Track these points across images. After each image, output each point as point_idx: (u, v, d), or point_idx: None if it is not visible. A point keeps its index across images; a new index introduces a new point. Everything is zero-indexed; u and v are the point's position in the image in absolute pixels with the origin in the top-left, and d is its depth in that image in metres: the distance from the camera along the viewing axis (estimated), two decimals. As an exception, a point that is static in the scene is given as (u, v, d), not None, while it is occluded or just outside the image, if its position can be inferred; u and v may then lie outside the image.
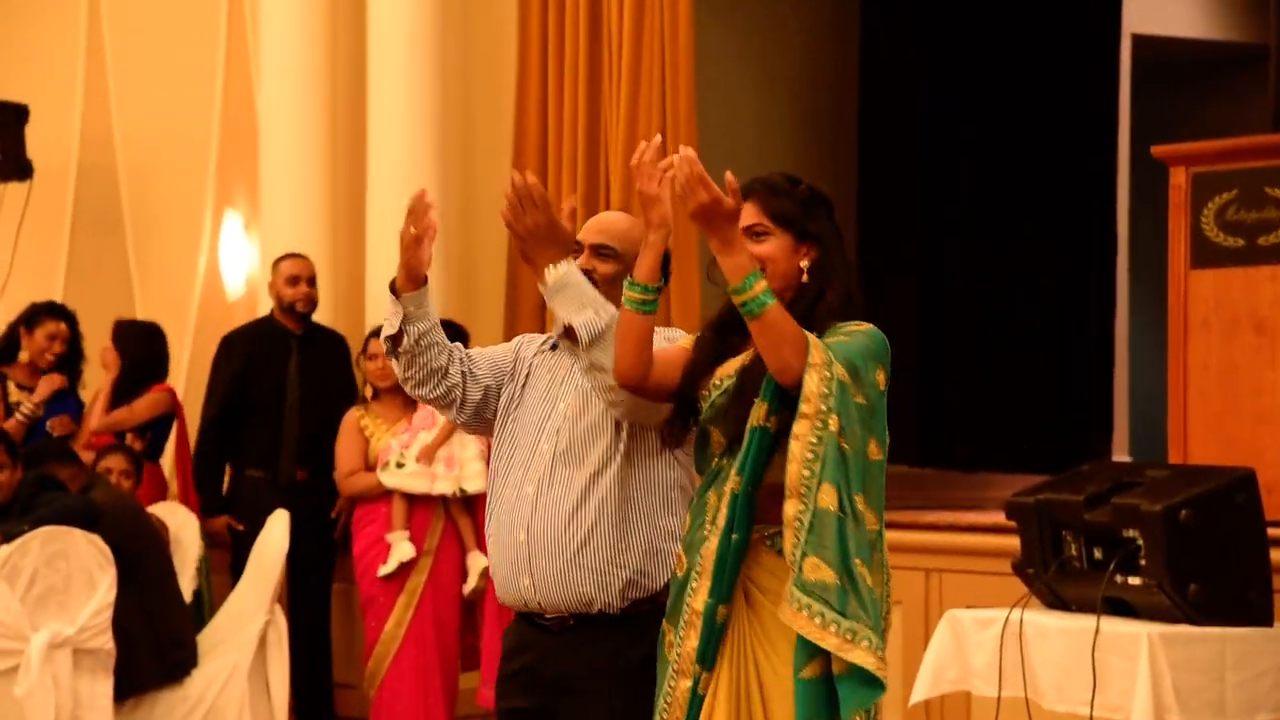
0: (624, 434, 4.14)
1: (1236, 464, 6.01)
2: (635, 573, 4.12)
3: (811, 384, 3.65)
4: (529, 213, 4.02)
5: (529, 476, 4.18)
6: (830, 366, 3.67)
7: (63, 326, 8.15)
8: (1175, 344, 6.81)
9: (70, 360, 8.19)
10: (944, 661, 5.36)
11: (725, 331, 3.91)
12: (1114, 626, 5.57)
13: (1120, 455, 8.29)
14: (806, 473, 3.66)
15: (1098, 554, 5.80)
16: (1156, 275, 7.41)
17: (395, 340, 4.21)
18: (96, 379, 8.38)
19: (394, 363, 4.28)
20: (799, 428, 3.66)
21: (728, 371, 3.87)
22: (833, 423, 3.66)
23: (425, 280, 4.17)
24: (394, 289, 4.16)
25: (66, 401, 8.14)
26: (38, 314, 8.23)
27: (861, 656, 3.64)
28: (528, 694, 4.20)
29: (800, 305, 3.81)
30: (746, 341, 3.83)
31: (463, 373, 4.28)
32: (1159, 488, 5.76)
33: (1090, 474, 6.08)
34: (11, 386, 8.01)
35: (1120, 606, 5.71)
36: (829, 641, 3.62)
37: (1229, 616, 5.64)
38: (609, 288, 4.16)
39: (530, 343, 4.43)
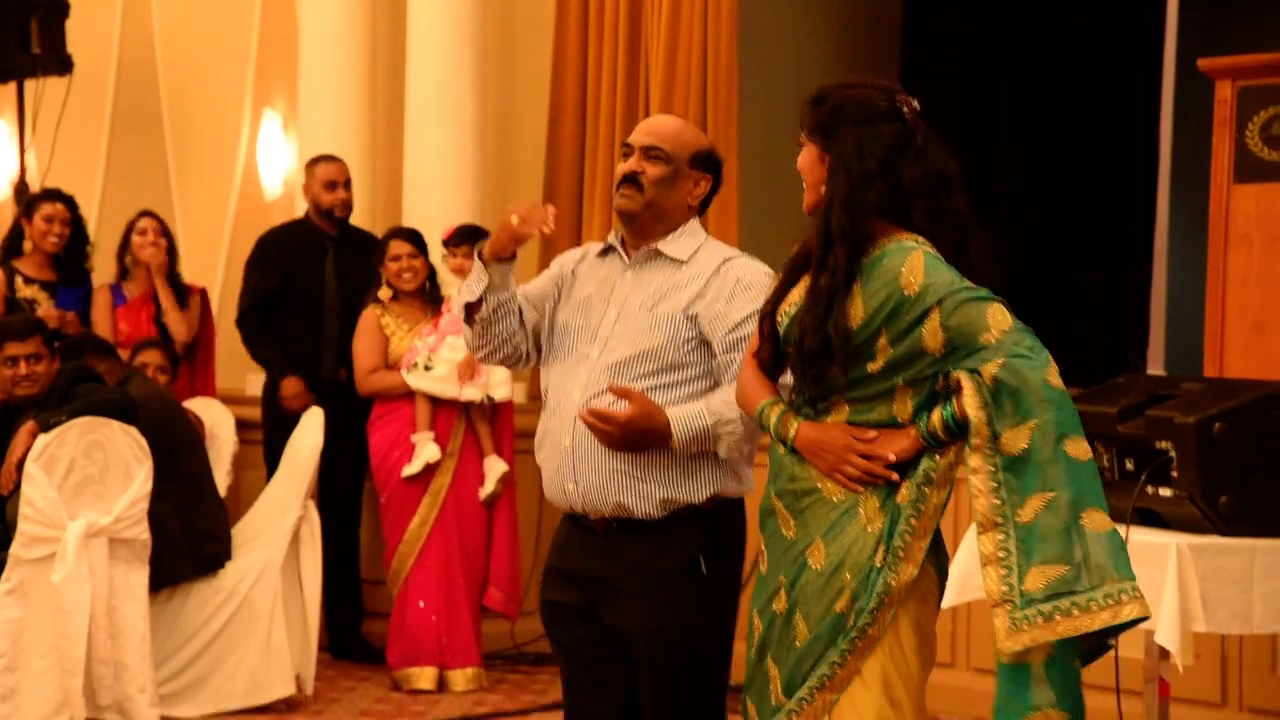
0: (668, 355, 4.14)
1: (1273, 378, 6.07)
2: (672, 488, 4.12)
3: (972, 413, 3.55)
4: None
5: (575, 382, 4.18)
6: (980, 391, 3.55)
7: (60, 207, 7.96)
8: (1215, 258, 6.82)
9: (74, 245, 8.02)
10: (970, 570, 5.37)
11: (798, 263, 3.80)
12: (1143, 537, 5.61)
13: (1155, 369, 8.30)
14: (997, 501, 3.55)
15: (1129, 465, 5.85)
16: (1198, 190, 7.35)
17: (473, 307, 4.24)
18: (104, 266, 8.26)
19: (466, 329, 4.31)
20: (973, 461, 3.55)
21: (793, 300, 3.76)
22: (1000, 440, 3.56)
23: (514, 255, 4.22)
24: (481, 257, 4.21)
25: (75, 299, 8.00)
26: (34, 200, 8.10)
27: (1132, 610, 3.54)
28: (572, 591, 4.24)
29: (821, 214, 3.71)
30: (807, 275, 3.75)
31: (524, 332, 4.31)
32: (1193, 400, 5.80)
33: (1124, 386, 6.13)
34: (19, 281, 7.87)
35: (1150, 517, 5.76)
36: (1097, 621, 3.50)
37: (1259, 528, 5.67)
38: (658, 190, 4.17)
39: (570, 256, 4.43)
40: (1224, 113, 6.81)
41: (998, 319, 3.54)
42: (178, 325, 8.04)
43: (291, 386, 7.97)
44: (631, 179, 4.17)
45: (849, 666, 3.63)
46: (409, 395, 7.62)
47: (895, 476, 3.62)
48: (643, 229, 4.22)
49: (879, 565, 3.61)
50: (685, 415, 4.06)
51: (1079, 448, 3.54)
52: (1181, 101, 8.39)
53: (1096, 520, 3.52)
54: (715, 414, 4.06)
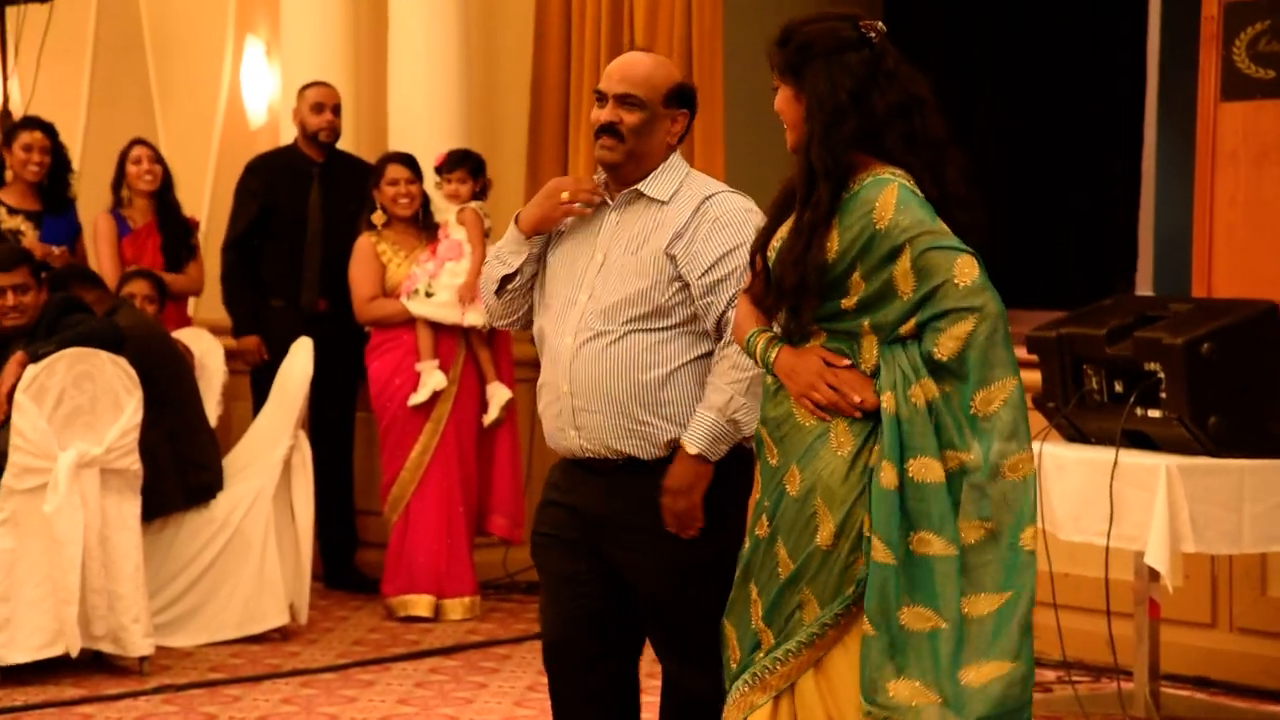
0: (654, 298, 4.14)
1: (1261, 298, 6.06)
2: (676, 426, 4.13)
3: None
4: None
5: (567, 328, 4.19)
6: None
7: (39, 135, 7.92)
8: (1203, 177, 6.84)
9: (56, 173, 7.98)
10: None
11: (784, 199, 3.80)
12: (1133, 459, 5.67)
13: (1144, 290, 8.30)
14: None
15: (1118, 387, 5.91)
16: (1185, 108, 7.36)
17: (508, 279, 4.28)
18: (88, 194, 8.28)
19: (494, 299, 4.34)
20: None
21: (781, 235, 3.76)
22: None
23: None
24: (519, 226, 4.24)
25: (61, 227, 7.99)
26: (13, 129, 8.07)
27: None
28: (570, 526, 4.25)
29: (802, 152, 3.71)
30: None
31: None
32: (1181, 321, 5.84)
33: (1112, 308, 6.19)
34: (3, 212, 7.85)
35: (1139, 439, 5.82)
36: None
37: (1248, 448, 5.74)
38: (637, 137, 4.16)
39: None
40: (1210, 30, 6.82)
41: (965, 270, 3.55)
42: (194, 284, 8.17)
43: (248, 344, 8.06)
44: (610, 129, 4.16)
45: (840, 628, 3.65)
46: (408, 323, 7.64)
47: (858, 414, 3.64)
48: (625, 174, 4.22)
49: (850, 492, 3.63)
50: (694, 433, 4.08)
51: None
52: (1169, 19, 8.37)
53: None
54: (714, 406, 4.07)
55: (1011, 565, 3.55)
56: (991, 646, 3.53)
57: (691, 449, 4.07)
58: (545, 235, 4.27)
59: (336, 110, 8.14)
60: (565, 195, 4.21)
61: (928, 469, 3.57)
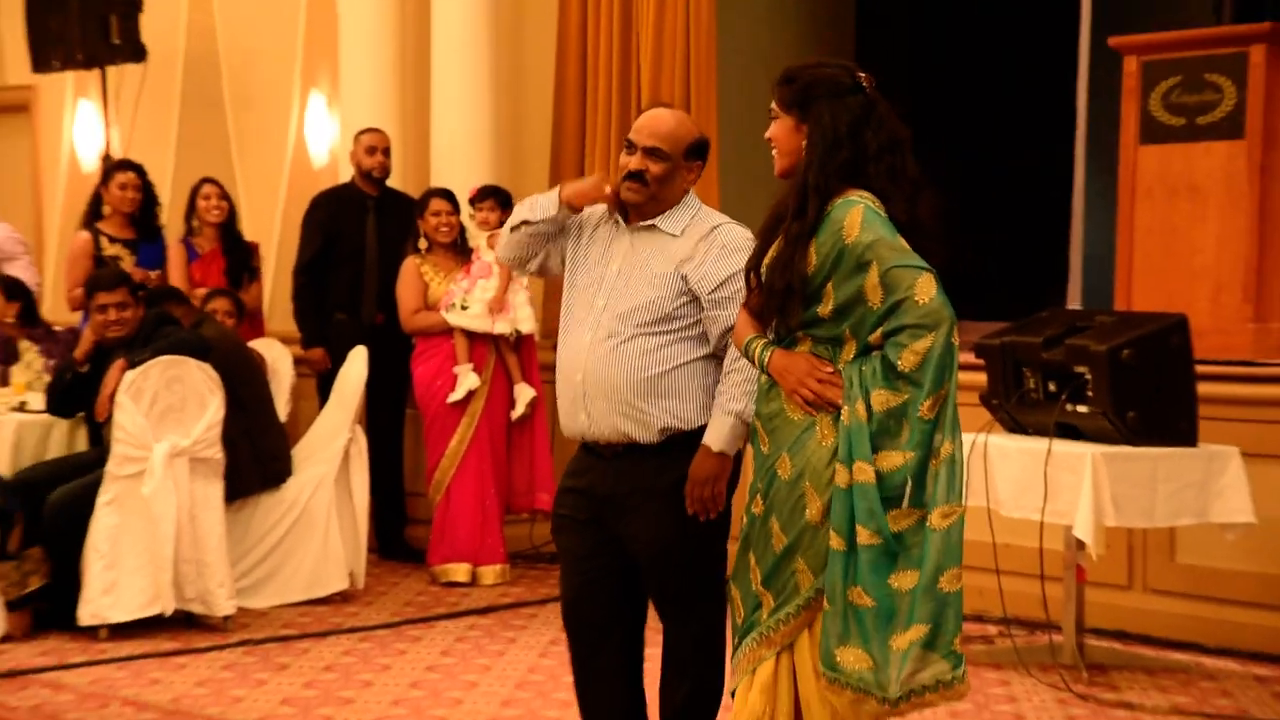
0: (663, 307, 4.15)
1: (1172, 311, 6.13)
2: (670, 418, 4.14)
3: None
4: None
5: (586, 325, 4.20)
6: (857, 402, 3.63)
7: (131, 175, 7.97)
8: (1124, 210, 6.86)
9: (146, 206, 8.02)
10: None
11: (773, 218, 3.81)
12: (1064, 447, 5.75)
13: (1074, 304, 8.34)
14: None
15: (1052, 387, 5.97)
16: (1109, 151, 7.38)
17: (527, 223, 4.30)
18: (175, 223, 8.33)
19: (508, 233, 4.34)
20: None
21: (772, 255, 3.77)
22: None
23: (581, 209, 4.32)
24: (561, 195, 4.27)
25: (153, 254, 8.02)
26: (111, 170, 8.11)
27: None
28: (583, 506, 4.28)
29: (800, 175, 3.73)
30: (782, 229, 3.76)
31: (550, 247, 4.35)
32: (1106, 331, 5.91)
33: (1047, 320, 6.23)
34: (104, 241, 7.90)
35: (1069, 431, 5.89)
36: None
37: (1161, 438, 5.81)
38: (660, 185, 4.17)
39: (591, 211, 4.38)
40: (1131, 84, 6.81)
41: (924, 288, 3.55)
42: (254, 300, 8.17)
43: (314, 354, 8.07)
44: (638, 175, 4.15)
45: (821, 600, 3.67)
46: (447, 333, 7.65)
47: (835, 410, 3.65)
48: (645, 211, 4.22)
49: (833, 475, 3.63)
50: (717, 434, 4.08)
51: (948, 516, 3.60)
52: (1095, 75, 8.40)
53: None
54: (733, 412, 4.08)
55: (925, 543, 3.55)
56: (913, 615, 3.54)
57: (715, 447, 4.06)
58: (571, 214, 4.26)
59: (387, 152, 8.16)
60: (607, 189, 4.22)
61: (868, 470, 3.56)
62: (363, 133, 8.23)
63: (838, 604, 3.59)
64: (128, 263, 7.83)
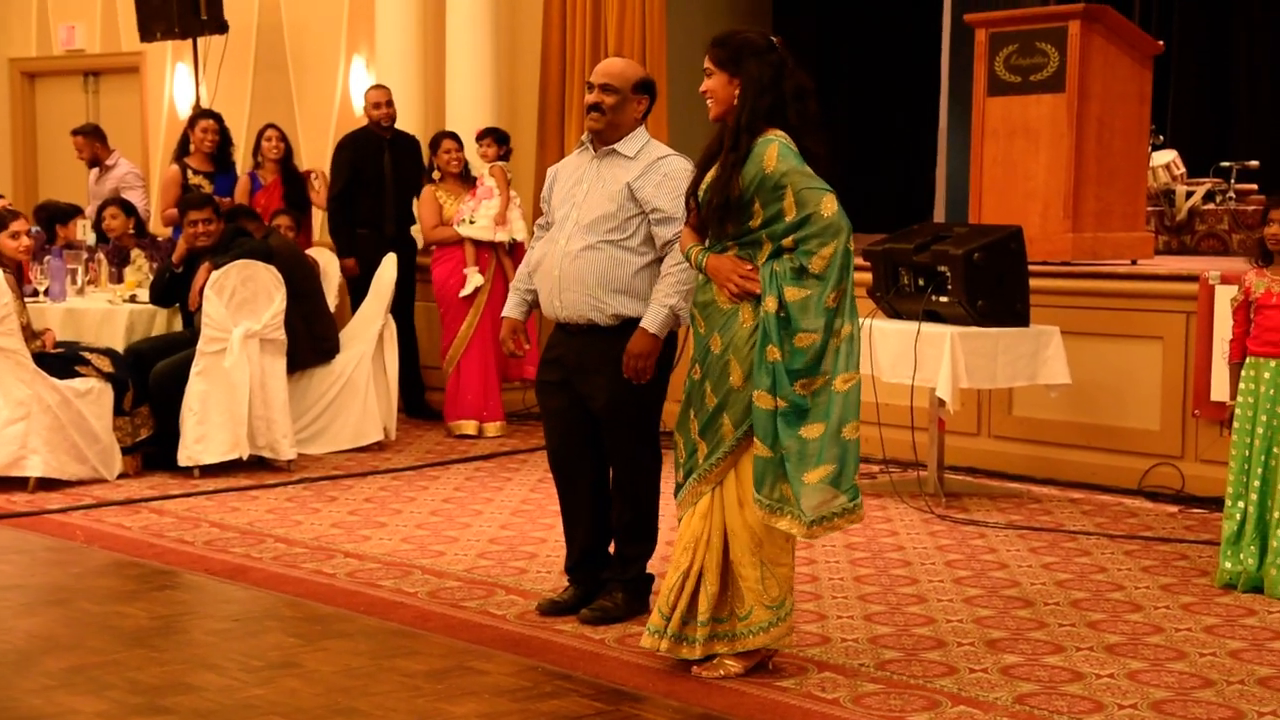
0: (619, 217, 4.11)
1: (1010, 224, 6.09)
2: (621, 308, 4.12)
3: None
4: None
5: (563, 234, 4.18)
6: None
7: (211, 121, 7.86)
8: (975, 147, 6.84)
9: (222, 146, 7.89)
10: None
11: (709, 153, 3.75)
12: (930, 329, 5.74)
13: (939, 218, 8.32)
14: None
15: (921, 282, 5.94)
16: (965, 101, 7.33)
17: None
18: (246, 160, 8.18)
19: (511, 292, 4.42)
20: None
21: (707, 180, 3.71)
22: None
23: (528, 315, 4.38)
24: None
25: (226, 183, 7.88)
26: (195, 117, 8.01)
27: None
28: (557, 372, 4.26)
29: (732, 119, 3.67)
30: (719, 157, 3.68)
31: None
32: (961, 239, 5.89)
33: (918, 231, 6.20)
34: (190, 173, 7.79)
35: (934, 316, 5.87)
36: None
37: (1002, 321, 5.81)
38: (613, 113, 4.13)
39: (552, 168, 4.36)
40: (981, 50, 6.79)
41: (828, 205, 3.54)
42: (320, 204, 8.03)
43: (346, 263, 7.85)
44: (596, 107, 4.15)
45: (748, 440, 3.65)
46: (458, 243, 7.52)
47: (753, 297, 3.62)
48: (605, 138, 4.19)
49: (751, 351, 3.61)
50: (653, 319, 4.06)
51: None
52: (954, 43, 8.34)
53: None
54: (666, 305, 4.06)
55: (830, 402, 3.55)
56: (820, 456, 3.53)
57: (650, 330, 4.06)
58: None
59: (390, 103, 7.92)
60: (511, 346, 4.35)
61: (775, 352, 3.55)
62: (369, 90, 8.03)
63: (764, 449, 3.58)
64: (206, 189, 7.70)
